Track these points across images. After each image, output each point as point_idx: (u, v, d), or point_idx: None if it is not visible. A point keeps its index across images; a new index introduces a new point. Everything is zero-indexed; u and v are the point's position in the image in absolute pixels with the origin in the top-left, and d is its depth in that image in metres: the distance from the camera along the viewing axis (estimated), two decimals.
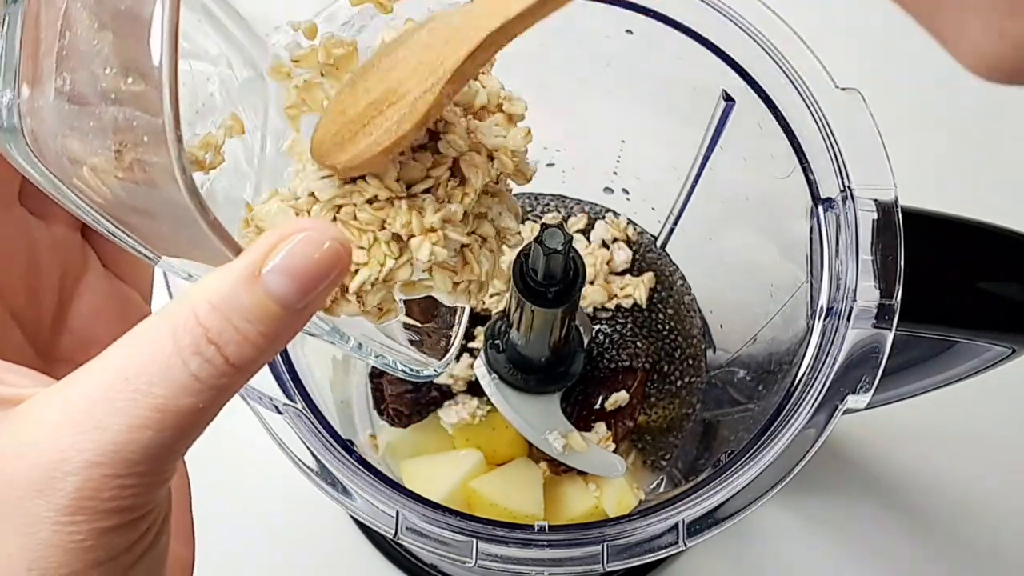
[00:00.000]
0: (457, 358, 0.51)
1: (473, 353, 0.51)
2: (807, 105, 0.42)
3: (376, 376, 0.52)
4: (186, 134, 0.31)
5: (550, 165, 0.55)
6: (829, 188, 0.41)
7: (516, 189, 0.56)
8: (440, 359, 0.36)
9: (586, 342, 0.52)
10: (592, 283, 0.53)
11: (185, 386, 0.23)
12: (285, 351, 0.40)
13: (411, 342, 0.37)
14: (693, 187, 0.51)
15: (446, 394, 0.52)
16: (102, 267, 0.31)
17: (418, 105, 0.30)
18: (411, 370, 0.34)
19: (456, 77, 0.30)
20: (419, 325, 0.37)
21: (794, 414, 0.39)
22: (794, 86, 0.42)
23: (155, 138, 0.22)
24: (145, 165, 0.23)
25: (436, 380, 0.51)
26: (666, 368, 0.53)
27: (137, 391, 0.23)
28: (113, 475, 0.22)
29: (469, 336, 0.52)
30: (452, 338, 0.37)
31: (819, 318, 0.41)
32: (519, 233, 0.35)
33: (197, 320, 0.23)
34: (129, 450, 0.22)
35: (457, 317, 0.38)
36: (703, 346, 0.55)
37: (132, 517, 0.23)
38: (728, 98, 0.45)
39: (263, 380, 0.39)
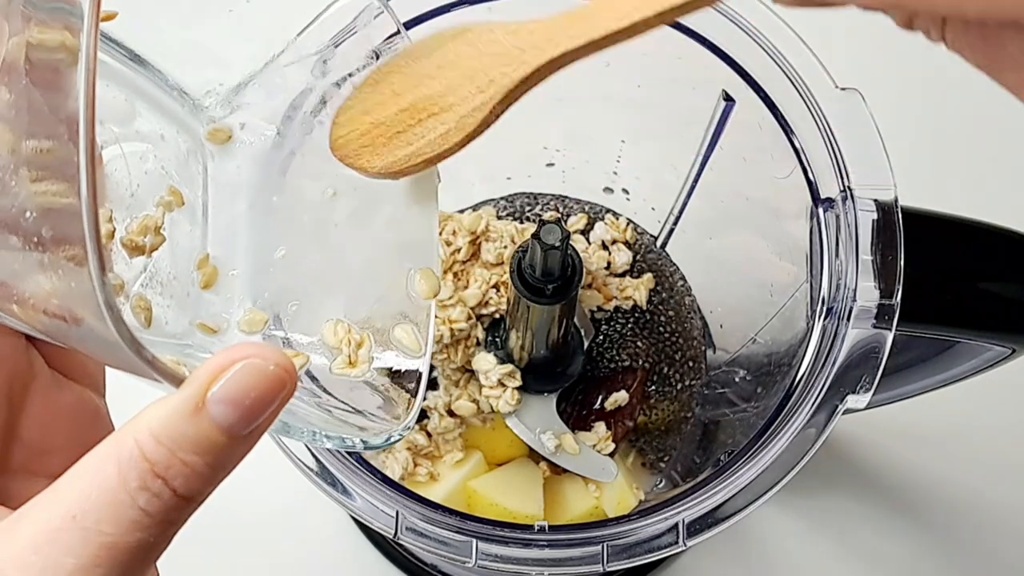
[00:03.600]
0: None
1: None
2: (807, 105, 0.42)
3: None
4: (123, 221, 0.31)
5: (550, 165, 0.55)
6: (829, 188, 0.41)
7: (515, 189, 0.56)
8: (403, 420, 0.35)
9: (586, 344, 0.52)
10: (591, 286, 0.53)
11: (135, 522, 0.23)
12: None
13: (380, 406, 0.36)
14: (693, 187, 0.51)
15: None
16: (49, 370, 0.30)
17: (466, 121, 0.30)
18: (373, 442, 0.33)
19: (507, 97, 0.30)
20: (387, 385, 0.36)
21: (794, 414, 0.39)
22: (794, 86, 0.42)
23: (81, 285, 0.21)
24: (73, 310, 0.23)
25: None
26: (666, 370, 0.53)
27: (86, 529, 0.22)
28: None
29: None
30: (413, 396, 0.36)
31: (819, 318, 0.41)
32: None
33: (143, 455, 0.23)
34: None
35: (418, 375, 0.37)
36: (703, 347, 0.55)
37: None
38: (728, 98, 0.45)
39: None
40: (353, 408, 0.34)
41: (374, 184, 0.34)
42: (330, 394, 0.34)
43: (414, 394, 0.35)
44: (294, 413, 0.31)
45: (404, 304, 0.36)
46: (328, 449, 0.38)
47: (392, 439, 0.33)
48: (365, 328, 0.35)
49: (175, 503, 0.23)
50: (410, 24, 0.43)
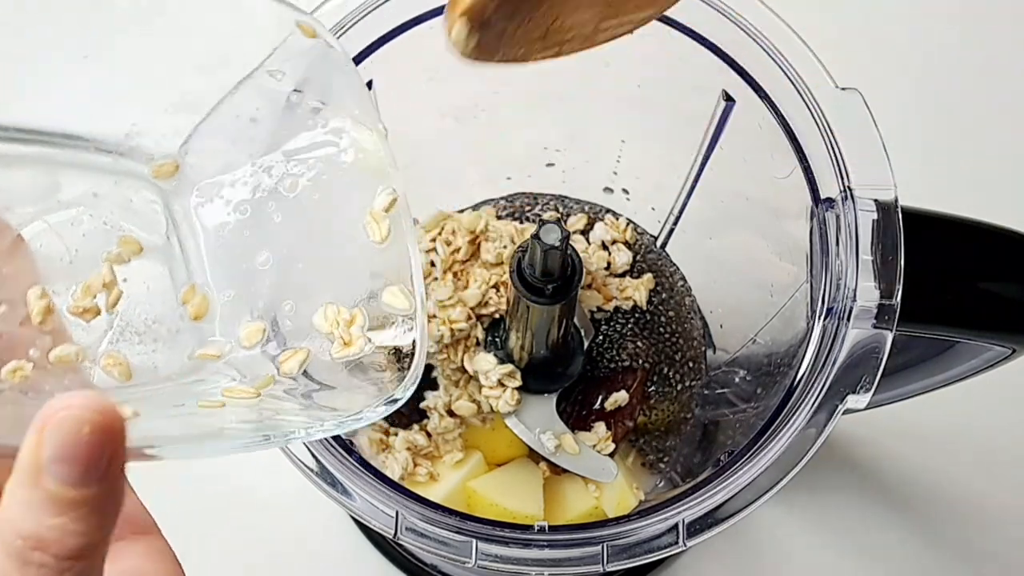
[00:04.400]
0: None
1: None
2: (807, 105, 0.42)
3: None
4: (67, 290, 0.31)
5: (550, 165, 0.55)
6: (829, 188, 0.41)
7: (515, 189, 0.56)
8: (404, 379, 0.33)
9: (586, 344, 0.52)
10: (591, 286, 0.53)
11: None
12: None
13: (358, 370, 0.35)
14: (693, 187, 0.51)
15: None
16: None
17: None
18: (359, 415, 0.32)
19: None
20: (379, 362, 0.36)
21: (794, 414, 0.39)
22: (794, 86, 0.42)
23: None
24: None
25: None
26: (666, 370, 0.53)
27: None
28: None
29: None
30: (411, 360, 0.34)
31: (819, 318, 0.41)
32: None
33: (16, 532, 0.23)
34: None
35: (413, 346, 0.35)
36: (703, 348, 0.55)
37: None
38: (728, 98, 0.45)
39: None
40: (356, 388, 0.34)
41: (328, 162, 0.34)
42: (327, 384, 0.34)
43: (412, 356, 0.34)
44: (280, 426, 0.31)
45: (388, 268, 0.35)
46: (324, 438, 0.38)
47: (397, 397, 0.32)
48: (357, 305, 0.34)
49: (67, 564, 0.23)
50: (411, 23, 0.43)
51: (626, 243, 0.54)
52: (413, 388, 0.33)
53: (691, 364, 0.54)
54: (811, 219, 0.42)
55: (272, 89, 0.34)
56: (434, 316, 0.48)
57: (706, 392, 0.54)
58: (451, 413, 0.50)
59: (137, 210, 0.34)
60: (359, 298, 0.34)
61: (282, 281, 0.35)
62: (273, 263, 0.35)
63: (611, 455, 0.50)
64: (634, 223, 0.55)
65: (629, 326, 0.53)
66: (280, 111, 0.35)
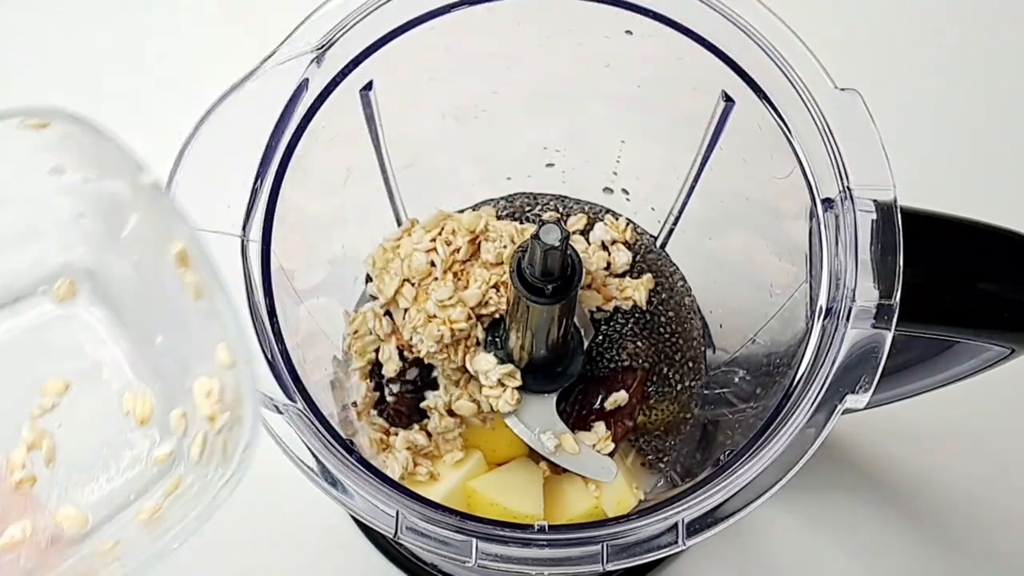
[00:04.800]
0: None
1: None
2: (806, 105, 0.42)
3: (376, 376, 0.52)
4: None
5: (550, 165, 0.56)
6: (828, 188, 0.41)
7: (515, 189, 0.56)
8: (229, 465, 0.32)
9: (586, 344, 0.52)
10: (590, 286, 0.53)
11: None
12: (285, 352, 0.40)
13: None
14: (693, 187, 0.51)
15: None
16: None
17: None
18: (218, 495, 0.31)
19: None
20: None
21: (793, 414, 0.39)
22: (794, 86, 0.42)
23: None
24: None
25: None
26: (666, 370, 0.53)
27: None
28: None
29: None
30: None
31: (818, 318, 0.41)
32: None
33: None
34: None
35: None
36: (703, 348, 0.55)
37: None
38: (728, 98, 0.45)
39: (263, 381, 0.39)
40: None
41: (135, 233, 0.33)
42: (213, 463, 0.33)
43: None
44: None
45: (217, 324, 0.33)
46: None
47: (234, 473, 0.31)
48: (216, 372, 0.33)
49: None
50: (411, 24, 0.43)
51: (626, 243, 0.54)
52: (252, 434, 0.31)
53: (691, 364, 0.54)
54: (810, 219, 0.42)
55: (67, 185, 0.33)
56: (434, 316, 0.48)
57: (706, 392, 0.54)
58: (451, 413, 0.50)
59: (55, 345, 0.34)
60: (218, 364, 0.33)
61: (180, 355, 0.34)
62: (165, 344, 0.34)
63: (611, 455, 0.50)
64: (634, 223, 0.55)
65: (629, 326, 0.53)
66: (87, 201, 0.34)
